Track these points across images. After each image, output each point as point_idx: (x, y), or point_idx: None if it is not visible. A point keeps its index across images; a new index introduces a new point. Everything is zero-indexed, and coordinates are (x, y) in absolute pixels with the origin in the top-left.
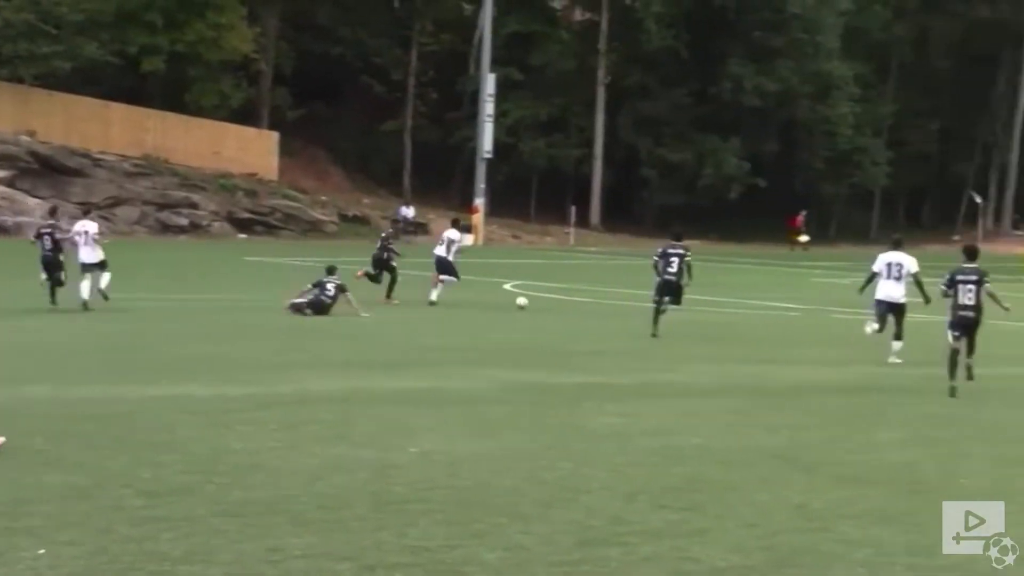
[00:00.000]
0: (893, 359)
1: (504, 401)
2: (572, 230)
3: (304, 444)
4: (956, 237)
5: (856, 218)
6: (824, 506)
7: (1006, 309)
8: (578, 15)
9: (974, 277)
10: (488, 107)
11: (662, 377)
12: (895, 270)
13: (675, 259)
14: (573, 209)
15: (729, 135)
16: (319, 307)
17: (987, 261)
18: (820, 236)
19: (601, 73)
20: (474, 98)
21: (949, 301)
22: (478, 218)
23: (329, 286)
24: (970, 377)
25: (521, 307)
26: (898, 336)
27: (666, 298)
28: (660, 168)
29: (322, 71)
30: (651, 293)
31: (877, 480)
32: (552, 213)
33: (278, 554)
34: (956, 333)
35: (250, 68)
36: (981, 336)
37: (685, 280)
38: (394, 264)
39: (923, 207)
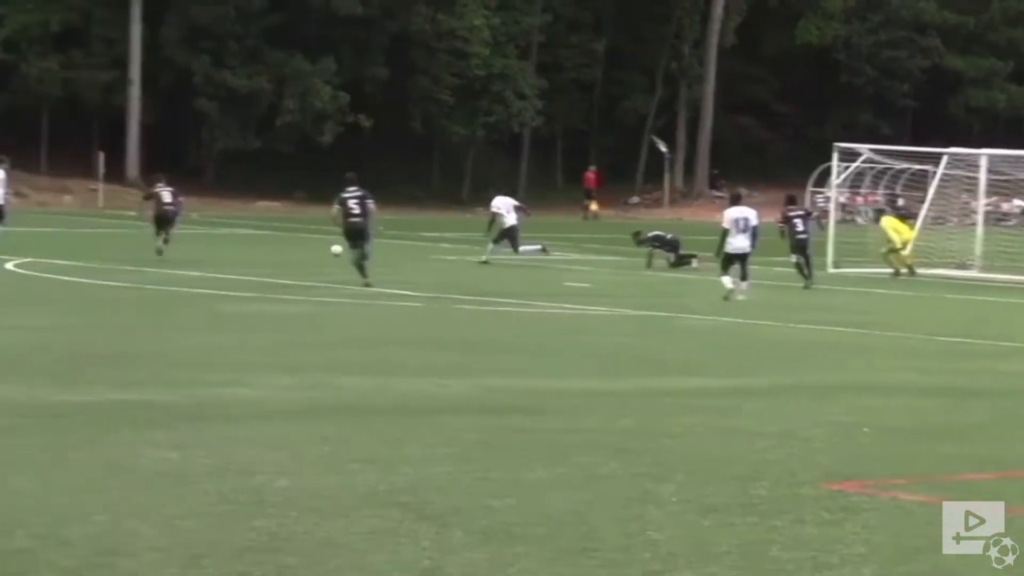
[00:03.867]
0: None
1: (3, 429)
2: (101, 186)
3: None
4: (635, 199)
5: (498, 172)
6: (461, 571)
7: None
8: None
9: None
10: None
11: (229, 392)
12: (741, 224)
13: None
14: (102, 156)
15: (320, 55)
16: None
17: (679, 232)
18: (450, 197)
19: None
20: None
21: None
22: None
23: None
24: None
25: (336, 255)
26: (744, 276)
27: None
28: (223, 99)
29: None
30: None
31: (533, 535)
32: (72, 162)
33: None
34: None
35: None
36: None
37: None
38: None
39: (588, 157)
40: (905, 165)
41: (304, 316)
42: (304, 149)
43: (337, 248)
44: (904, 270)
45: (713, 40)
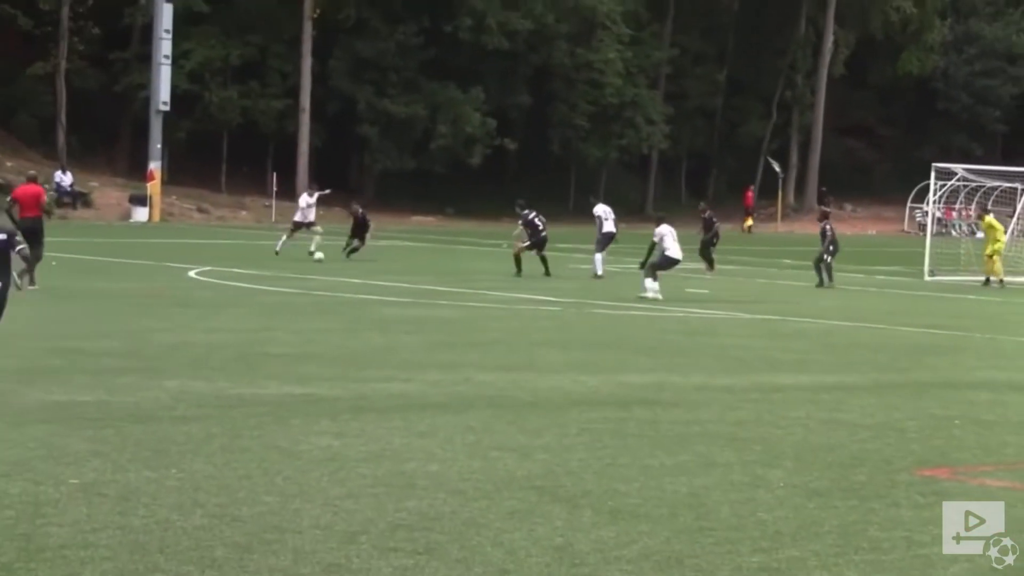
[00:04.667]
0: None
1: (186, 418)
2: (274, 203)
3: None
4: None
5: (628, 189)
6: (591, 547)
7: None
8: None
9: None
10: (164, 46)
11: (388, 387)
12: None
13: None
14: (274, 176)
15: (470, 85)
16: None
17: (789, 244)
18: (585, 212)
19: (308, 5)
20: (146, 34)
21: None
22: (155, 187)
23: None
24: None
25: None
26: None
27: None
28: (383, 125)
29: None
30: None
31: (655, 515)
32: (248, 181)
33: None
34: None
35: None
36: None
37: None
38: None
39: (709, 176)
40: (996, 183)
41: (455, 319)
42: (455, 169)
43: (319, 255)
44: (995, 278)
45: (824, 71)
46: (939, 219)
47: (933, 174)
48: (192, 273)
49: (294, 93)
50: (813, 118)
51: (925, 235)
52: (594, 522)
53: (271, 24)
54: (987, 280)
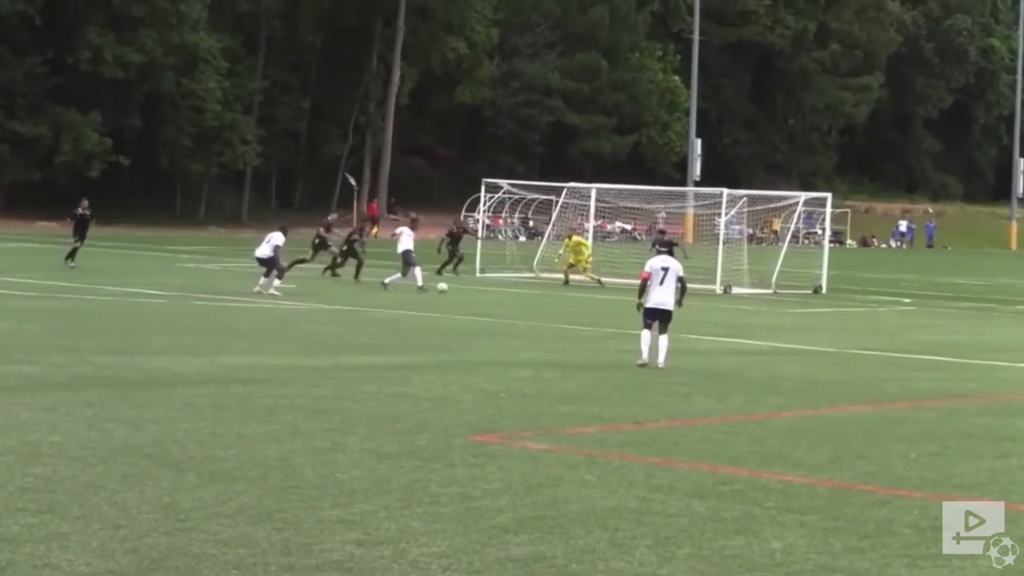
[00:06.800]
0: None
1: None
2: None
3: None
4: (332, 216)
5: (226, 200)
6: (193, 505)
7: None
8: None
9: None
10: None
11: (16, 369)
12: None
13: None
14: None
15: (89, 109)
16: None
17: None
18: (190, 219)
19: None
20: None
21: None
22: None
23: None
24: None
25: (442, 291)
26: None
27: None
28: (12, 142)
29: None
30: None
31: (249, 476)
32: None
33: None
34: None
35: None
36: None
37: None
38: None
39: (296, 189)
40: (535, 196)
41: (75, 311)
42: (76, 181)
43: (443, 285)
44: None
45: (392, 100)
46: (488, 225)
47: (483, 187)
48: None
49: None
50: (383, 140)
51: (477, 238)
52: (196, 483)
53: None
54: (566, 281)
